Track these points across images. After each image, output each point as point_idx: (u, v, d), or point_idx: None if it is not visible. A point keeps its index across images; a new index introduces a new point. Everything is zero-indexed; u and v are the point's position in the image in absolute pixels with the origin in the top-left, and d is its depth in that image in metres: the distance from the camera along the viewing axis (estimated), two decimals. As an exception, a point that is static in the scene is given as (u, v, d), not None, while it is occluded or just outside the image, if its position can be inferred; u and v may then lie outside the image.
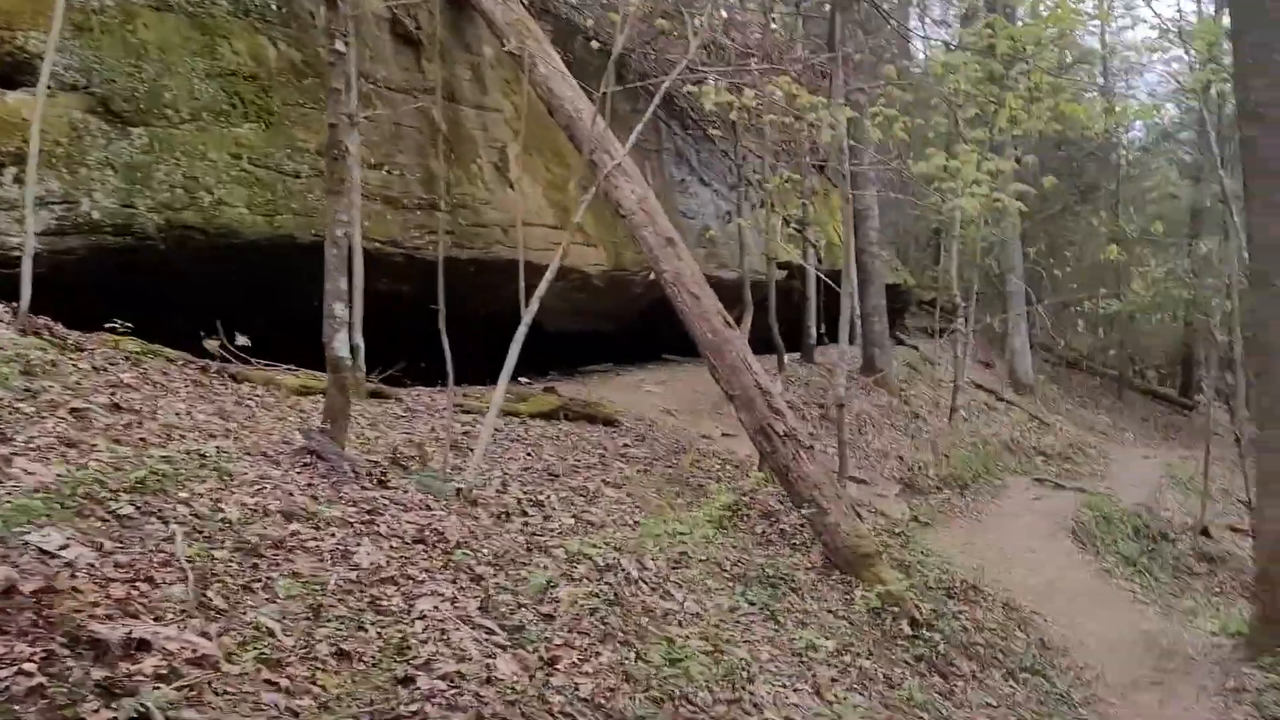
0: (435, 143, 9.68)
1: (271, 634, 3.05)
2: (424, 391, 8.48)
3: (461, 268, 9.95)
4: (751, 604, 5.85)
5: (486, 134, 10.66)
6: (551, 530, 5.51)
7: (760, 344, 18.23)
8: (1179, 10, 26.75)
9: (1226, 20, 13.09)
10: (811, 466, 7.20)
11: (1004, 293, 24.87)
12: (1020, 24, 12.86)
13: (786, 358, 16.30)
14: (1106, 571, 11.02)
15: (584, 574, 4.83)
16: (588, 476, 7.14)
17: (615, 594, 4.69)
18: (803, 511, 7.20)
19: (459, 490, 5.29)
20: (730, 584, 6.03)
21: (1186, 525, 14.80)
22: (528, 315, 6.24)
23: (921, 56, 34.76)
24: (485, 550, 4.61)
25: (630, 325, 14.55)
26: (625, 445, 8.50)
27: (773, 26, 14.64)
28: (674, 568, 5.95)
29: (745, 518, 7.52)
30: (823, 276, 14.92)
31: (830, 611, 6.36)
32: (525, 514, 5.62)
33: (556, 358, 13.47)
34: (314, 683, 2.87)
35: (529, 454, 7.21)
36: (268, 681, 2.79)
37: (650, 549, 6.01)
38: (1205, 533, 14.73)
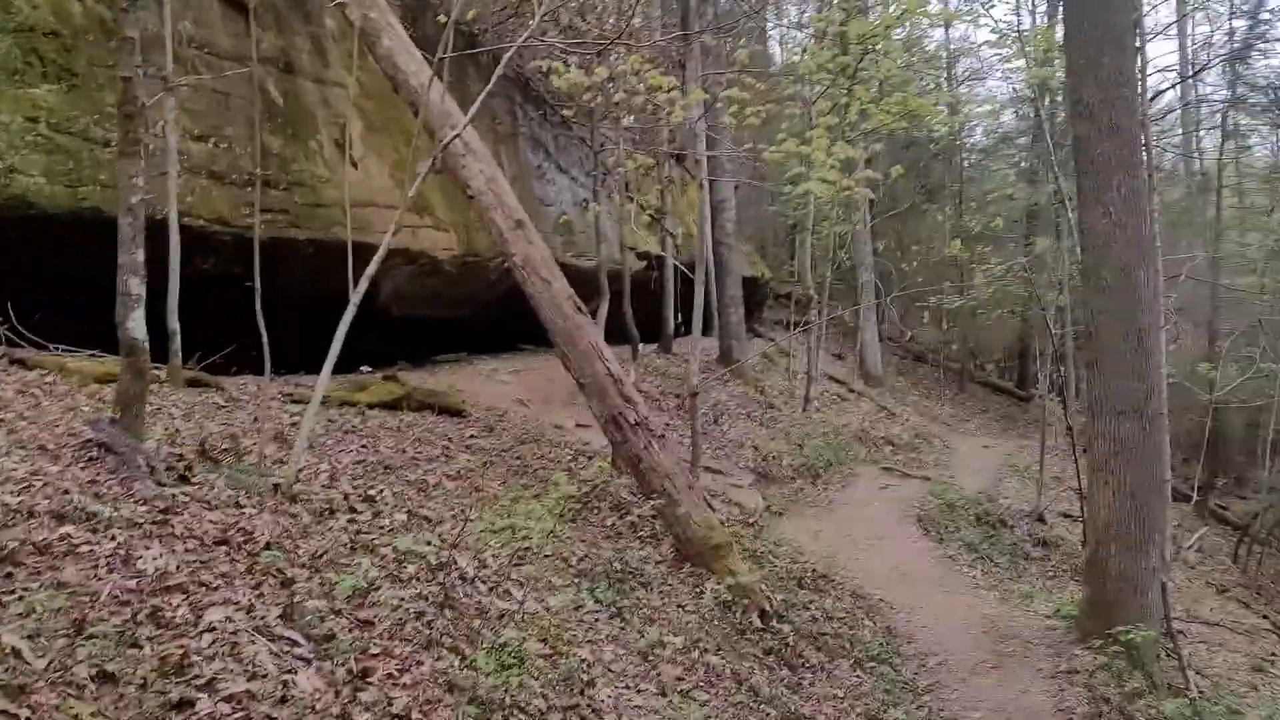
0: (269, 116, 9.05)
1: (18, 655, 2.60)
2: (252, 380, 7.88)
3: (300, 249, 9.36)
4: (598, 601, 5.60)
5: (328, 109, 10.05)
6: (382, 527, 5.12)
7: (618, 333, 18.14)
8: (1016, 14, 27.88)
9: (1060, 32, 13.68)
10: (663, 456, 7.01)
11: (855, 287, 25.47)
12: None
13: (645, 348, 16.22)
14: (950, 558, 11.30)
15: (413, 574, 4.48)
16: (428, 469, 6.75)
17: (446, 595, 4.35)
18: (653, 502, 7.00)
19: (276, 485, 4.84)
20: (576, 580, 5.76)
21: (1023, 512, 15.41)
22: (355, 296, 5.82)
23: (779, 59, 35.42)
24: (301, 551, 4.20)
25: (485, 313, 14.12)
26: (471, 436, 8.13)
27: (628, 12, 14.41)
28: (516, 564, 5.64)
29: (595, 510, 7.28)
30: (680, 266, 14.82)
31: (680, 606, 6.17)
32: (353, 510, 5.20)
33: (408, 346, 12.92)
34: (63, 711, 2.44)
35: (364, 446, 6.76)
36: (3, 714, 2.35)
37: (491, 545, 5.68)
38: (1040, 519, 15.39)
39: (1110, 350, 8.12)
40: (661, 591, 6.20)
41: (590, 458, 8.98)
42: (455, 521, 5.89)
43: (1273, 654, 13.01)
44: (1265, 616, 16.32)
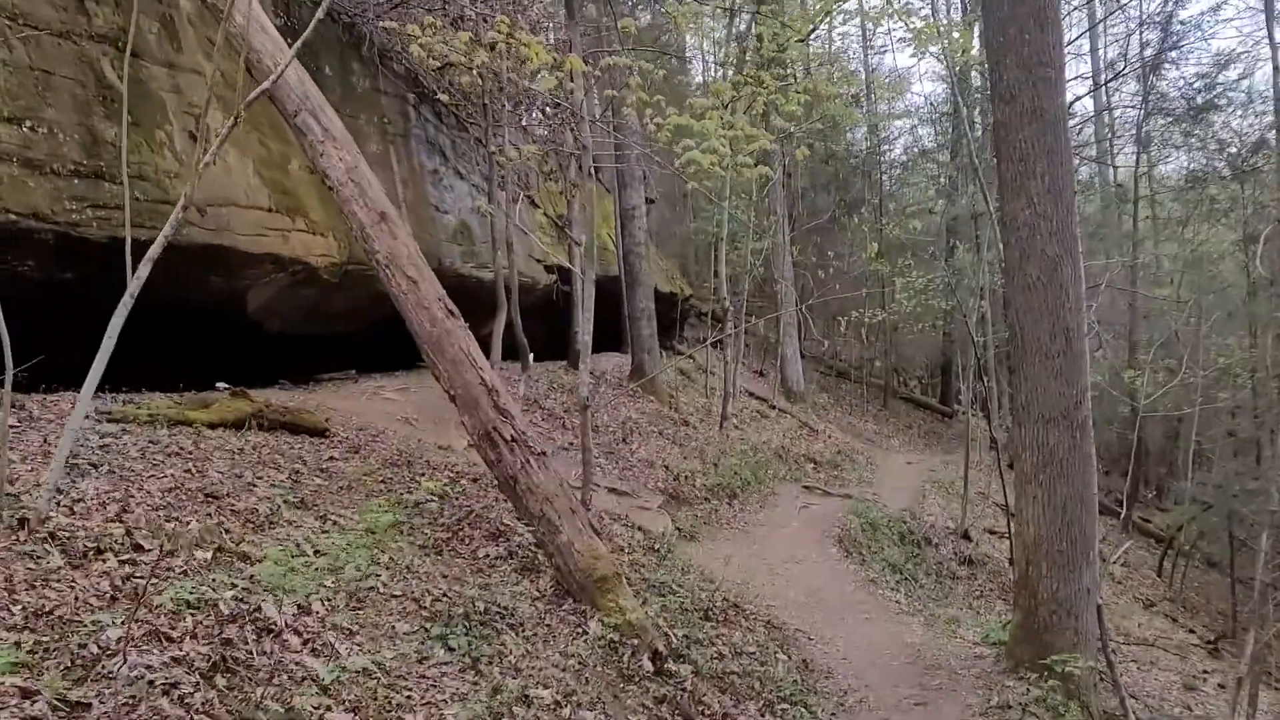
0: (104, 100, 7.98)
1: None
2: (66, 397, 6.79)
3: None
4: (450, 649, 4.66)
5: (180, 98, 8.99)
6: (172, 570, 4.12)
7: (541, 349, 17.18)
8: (933, 12, 27.80)
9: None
10: (544, 476, 6.12)
11: (775, 300, 24.93)
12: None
13: (553, 364, 15.30)
14: (872, 581, 10.58)
15: (189, 630, 3.50)
16: (265, 496, 5.74)
17: (225, 657, 3.38)
18: (531, 529, 6.10)
19: (23, 520, 3.83)
20: (426, 625, 4.82)
21: (948, 530, 14.85)
22: (134, 285, 4.95)
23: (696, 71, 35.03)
24: (27, 604, 3.21)
25: (374, 328, 13.06)
26: (331, 458, 7.12)
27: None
28: (354, 607, 4.69)
29: (466, 539, 6.33)
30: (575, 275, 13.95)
31: (557, 651, 5.27)
32: (136, 549, 4.20)
33: (290, 364, 11.84)
34: None
35: (187, 471, 5.72)
36: None
37: (323, 585, 4.72)
38: (966, 536, 14.84)
39: (1037, 352, 7.48)
40: (534, 635, 5.29)
41: (474, 480, 8.04)
42: (287, 557, 4.92)
43: (1204, 671, 12.57)
44: (1192, 631, 16.00)
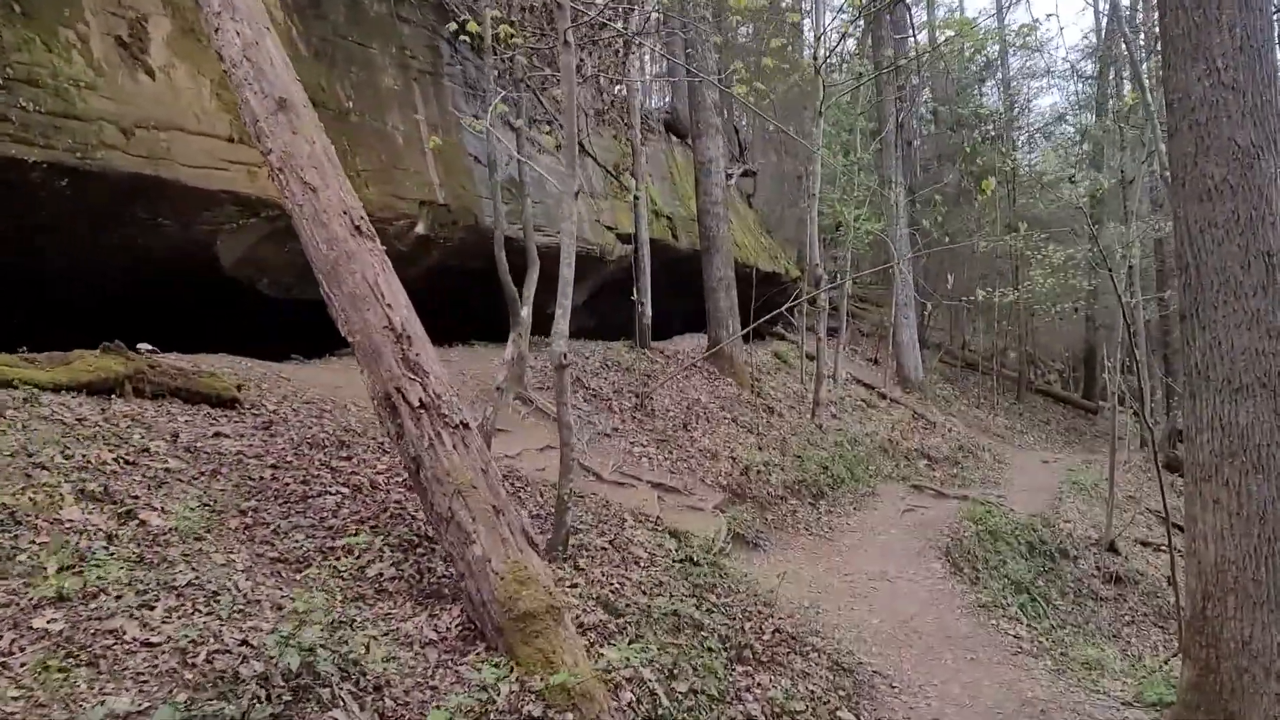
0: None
1: None
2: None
3: (39, 178, 6.68)
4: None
5: (113, -3, 7.41)
6: None
7: (603, 330, 15.24)
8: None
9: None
10: (459, 459, 4.15)
11: (891, 282, 22.33)
12: None
13: (622, 344, 13.32)
14: (984, 607, 8.20)
15: None
16: (45, 484, 3.97)
17: None
18: (440, 535, 4.15)
19: None
20: (190, 695, 2.91)
21: (1090, 540, 12.21)
22: None
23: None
24: None
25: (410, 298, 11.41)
26: (218, 434, 5.32)
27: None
28: (59, 666, 2.83)
29: (356, 550, 4.41)
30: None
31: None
32: None
33: (310, 336, 10.28)
34: None
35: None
36: None
37: (27, 626, 2.87)
38: (1112, 548, 12.17)
39: (1220, 288, 5.08)
40: (397, 710, 3.33)
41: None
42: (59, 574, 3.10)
43: None
44: None
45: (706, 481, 9.66)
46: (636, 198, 12.41)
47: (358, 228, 4.82)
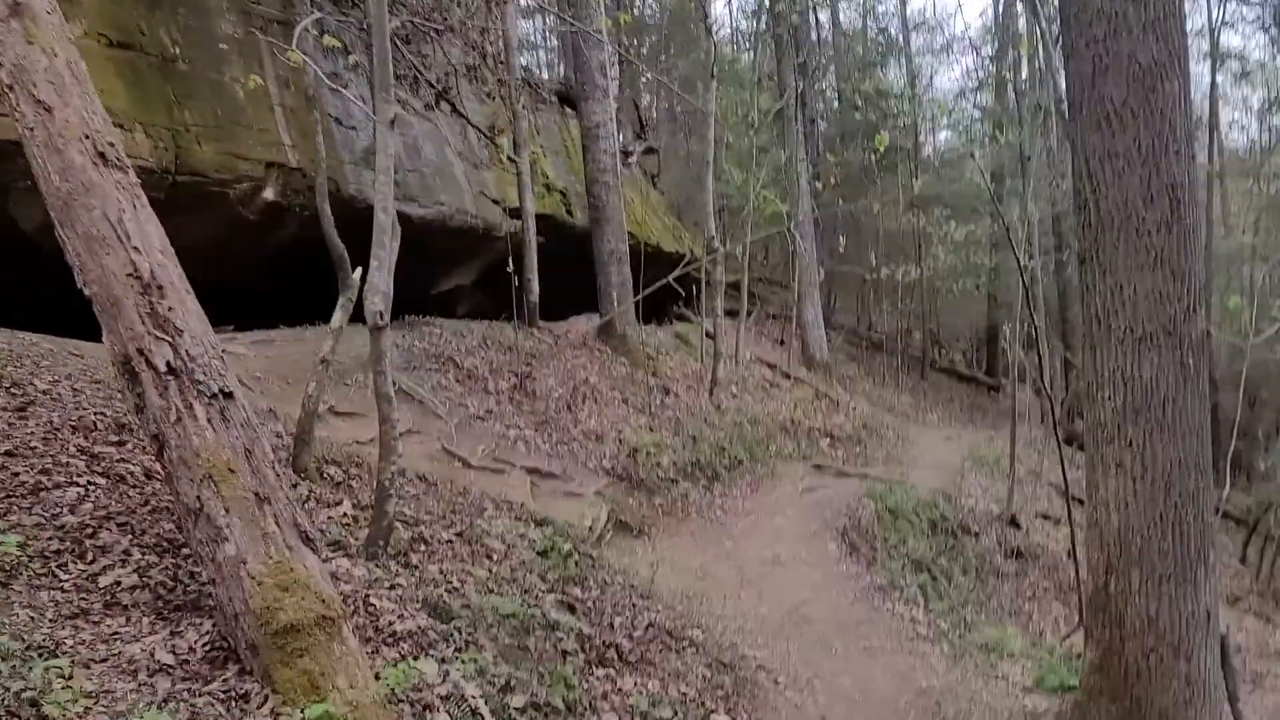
0: None
1: None
2: None
3: None
4: None
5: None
6: None
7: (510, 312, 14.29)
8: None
9: None
10: (216, 437, 3.33)
11: (791, 258, 21.90)
12: None
13: (508, 325, 12.43)
14: (881, 589, 7.66)
15: None
16: None
17: None
18: (188, 532, 3.32)
19: None
20: None
21: (992, 515, 11.87)
22: None
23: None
24: None
25: (257, 278, 10.39)
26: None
27: None
28: None
29: (93, 553, 3.56)
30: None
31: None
32: None
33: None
34: None
35: None
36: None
37: None
38: (1013, 522, 11.87)
39: (1121, 226, 4.54)
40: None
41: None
42: None
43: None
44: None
45: (589, 466, 8.94)
46: (514, 160, 11.55)
47: (102, 155, 3.92)
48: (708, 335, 15.70)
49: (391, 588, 4.38)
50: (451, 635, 4.13)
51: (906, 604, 7.42)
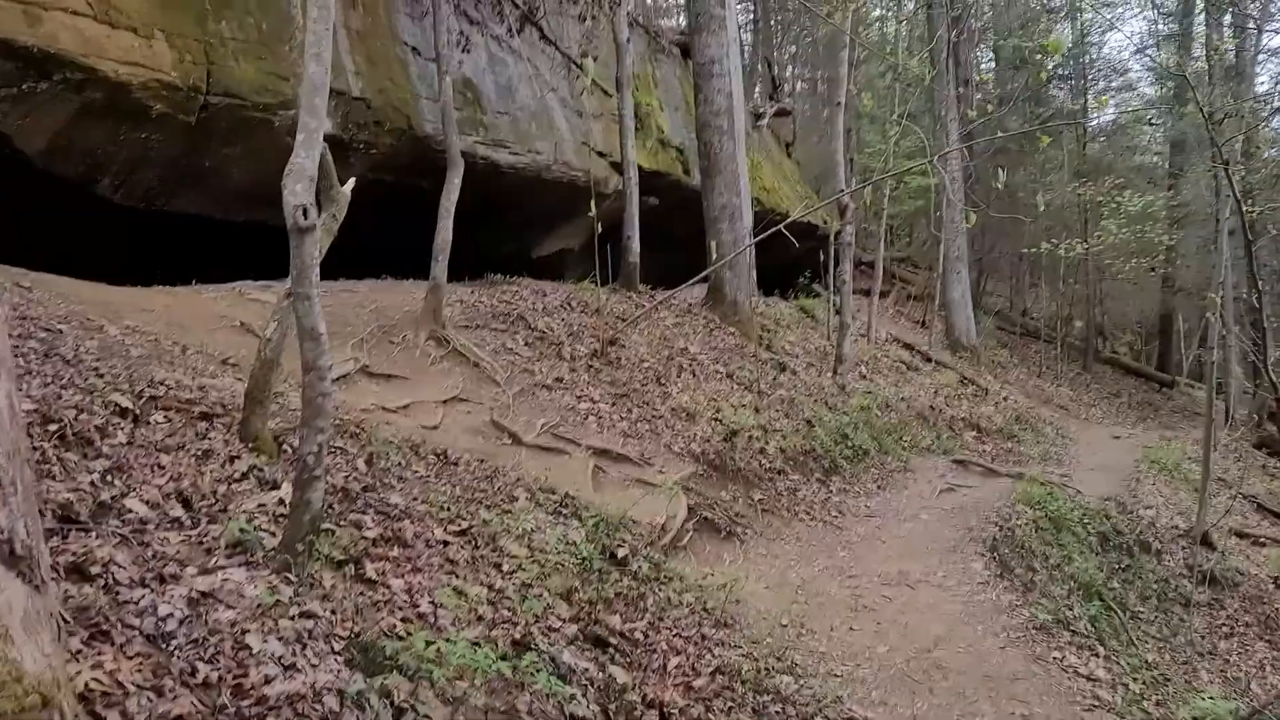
0: None
1: None
2: None
3: None
4: None
5: None
6: None
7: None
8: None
9: None
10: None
11: (939, 233, 19.70)
12: None
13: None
14: (1043, 628, 5.79)
15: None
16: None
17: None
18: None
19: None
20: None
21: (1178, 531, 9.73)
22: None
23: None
24: None
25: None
26: None
27: None
28: None
29: None
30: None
31: None
32: None
33: (203, 260, 8.20)
34: None
35: None
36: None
37: None
38: (1205, 541, 9.67)
39: None
40: None
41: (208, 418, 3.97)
42: None
43: None
44: None
45: (674, 449, 7.37)
46: (603, 90, 10.04)
47: None
48: (838, 312, 13.90)
49: (304, 614, 2.93)
50: (367, 701, 2.65)
51: (1079, 651, 5.56)
